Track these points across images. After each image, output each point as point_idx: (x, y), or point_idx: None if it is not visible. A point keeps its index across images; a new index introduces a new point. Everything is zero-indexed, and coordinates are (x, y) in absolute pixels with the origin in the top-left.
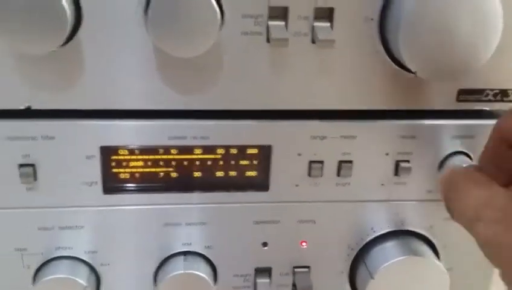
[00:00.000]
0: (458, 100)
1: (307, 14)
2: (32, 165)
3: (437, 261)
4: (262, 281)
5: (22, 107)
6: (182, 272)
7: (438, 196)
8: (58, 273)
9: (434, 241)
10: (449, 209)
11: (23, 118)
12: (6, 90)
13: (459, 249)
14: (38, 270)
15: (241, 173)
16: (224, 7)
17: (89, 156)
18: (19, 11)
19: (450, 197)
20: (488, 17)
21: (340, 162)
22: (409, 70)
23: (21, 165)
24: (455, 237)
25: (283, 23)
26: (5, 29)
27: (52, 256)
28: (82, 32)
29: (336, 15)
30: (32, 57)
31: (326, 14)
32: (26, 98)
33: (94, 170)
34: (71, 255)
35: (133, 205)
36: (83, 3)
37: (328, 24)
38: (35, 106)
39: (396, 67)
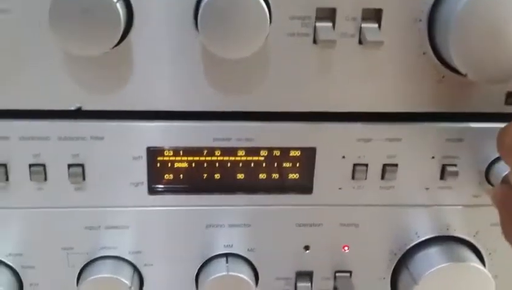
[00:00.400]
0: (507, 103)
1: (354, 15)
2: (81, 165)
3: (482, 268)
4: (303, 285)
5: (72, 108)
6: (225, 274)
7: (484, 201)
8: (103, 272)
9: (479, 247)
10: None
11: (74, 118)
12: (58, 91)
13: (505, 256)
14: (82, 269)
15: (284, 175)
16: (272, 8)
17: (136, 156)
18: (74, 14)
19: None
20: None
21: (385, 165)
22: (458, 72)
23: (70, 165)
24: (501, 243)
25: (330, 24)
26: (61, 31)
27: (97, 256)
28: (133, 34)
29: (384, 16)
30: (85, 59)
31: (374, 15)
32: (77, 99)
33: (140, 171)
34: (115, 255)
35: (177, 206)
36: (135, 5)
37: (376, 25)
38: (86, 107)
39: (445, 69)
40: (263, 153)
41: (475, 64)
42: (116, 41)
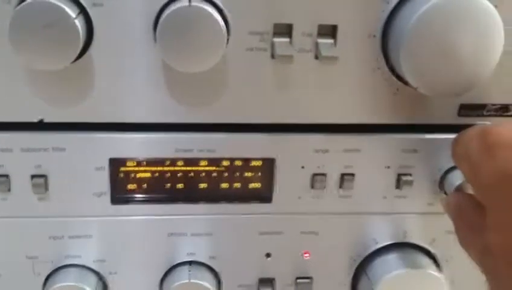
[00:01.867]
0: (460, 115)
1: (310, 31)
2: (44, 176)
3: (438, 274)
4: None
5: (35, 120)
6: (187, 281)
7: (439, 209)
8: (67, 280)
9: (436, 254)
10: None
11: (36, 130)
12: (21, 104)
13: (461, 262)
14: (48, 277)
15: (245, 185)
16: (230, 24)
17: (99, 167)
18: (34, 29)
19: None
20: (489, 34)
21: (343, 175)
22: (411, 86)
23: (33, 176)
24: (457, 250)
25: (288, 39)
26: (22, 46)
27: (62, 264)
28: (93, 48)
29: (339, 32)
30: (46, 73)
31: (329, 31)
32: (39, 111)
33: (103, 181)
34: (80, 263)
35: (140, 216)
36: (95, 21)
37: (332, 40)
38: (48, 119)
39: (399, 82)
40: (225, 163)
41: (425, 78)
42: (75, 56)
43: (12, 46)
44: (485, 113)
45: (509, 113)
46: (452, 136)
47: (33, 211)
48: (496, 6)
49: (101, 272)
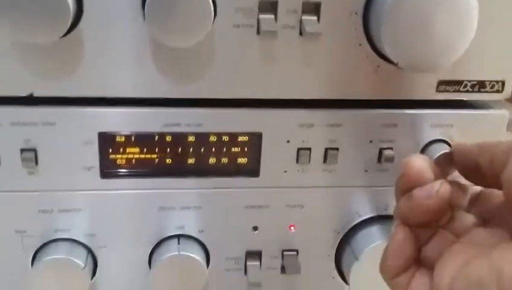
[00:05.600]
0: (438, 90)
1: (295, 8)
2: (34, 150)
3: None
4: (252, 263)
5: (24, 94)
6: (176, 253)
7: None
8: (57, 254)
9: None
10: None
11: (25, 104)
12: (10, 78)
13: None
14: (37, 251)
15: (232, 159)
16: (217, 1)
17: (87, 141)
18: (25, 3)
19: None
20: (464, 11)
21: (327, 149)
22: (391, 62)
23: (23, 150)
24: None
25: (273, 16)
26: (9, 19)
27: (51, 238)
28: (82, 23)
29: (323, 9)
30: (35, 47)
31: (313, 8)
32: (29, 86)
33: (92, 155)
34: (69, 237)
35: (129, 189)
36: None
37: (315, 18)
38: (37, 93)
39: (380, 59)
40: (212, 138)
41: (405, 54)
42: (65, 31)
43: (1, 19)
44: (462, 89)
45: (485, 89)
46: (431, 111)
47: (22, 185)
48: None
49: (91, 245)
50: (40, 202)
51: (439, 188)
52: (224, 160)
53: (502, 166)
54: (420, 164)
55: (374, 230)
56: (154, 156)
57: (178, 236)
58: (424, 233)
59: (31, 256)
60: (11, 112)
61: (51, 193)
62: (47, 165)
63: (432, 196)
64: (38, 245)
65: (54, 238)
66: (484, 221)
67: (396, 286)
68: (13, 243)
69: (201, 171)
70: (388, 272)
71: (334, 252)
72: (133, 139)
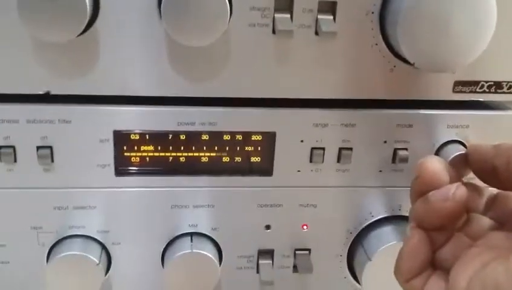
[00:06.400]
0: (454, 91)
1: (311, 7)
2: (50, 147)
3: None
4: (264, 262)
5: (41, 92)
6: (189, 251)
7: None
8: (72, 250)
9: None
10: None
11: (42, 102)
12: (27, 76)
13: None
14: (52, 247)
15: (246, 158)
16: (233, 0)
17: (103, 139)
18: (42, 1)
19: None
20: (483, 12)
21: (341, 149)
22: (407, 62)
23: (39, 147)
24: None
25: (288, 15)
26: (28, 17)
27: (66, 234)
28: (99, 22)
29: (339, 8)
30: (52, 45)
31: (329, 7)
32: (46, 84)
33: (107, 153)
34: (84, 233)
35: (143, 187)
36: None
37: (331, 17)
38: (54, 91)
39: (396, 59)
40: (226, 137)
41: (422, 54)
42: (82, 29)
43: (20, 17)
44: (478, 90)
45: (502, 90)
46: (447, 112)
47: (38, 182)
48: None
49: (105, 242)
50: (55, 198)
51: (456, 191)
52: (238, 159)
53: None
54: (435, 166)
55: (388, 230)
56: (168, 154)
57: (191, 234)
58: (440, 236)
59: (47, 252)
60: (28, 109)
61: (66, 190)
62: (62, 163)
63: (448, 199)
64: (54, 241)
65: (68, 234)
66: (501, 224)
67: (410, 289)
68: (29, 239)
69: (215, 169)
70: (402, 274)
71: (347, 252)
72: (147, 137)
